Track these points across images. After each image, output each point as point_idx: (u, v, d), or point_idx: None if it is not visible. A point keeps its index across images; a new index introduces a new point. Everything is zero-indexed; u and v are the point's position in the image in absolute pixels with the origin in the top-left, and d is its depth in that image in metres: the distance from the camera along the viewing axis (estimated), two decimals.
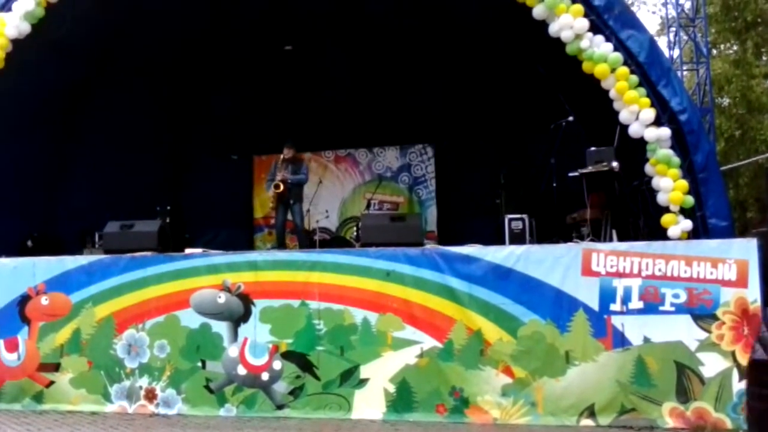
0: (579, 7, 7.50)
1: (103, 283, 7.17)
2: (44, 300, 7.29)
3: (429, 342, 6.55)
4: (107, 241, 7.97)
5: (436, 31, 11.46)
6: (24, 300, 7.34)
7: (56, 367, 7.24)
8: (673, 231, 7.18)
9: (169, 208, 11.19)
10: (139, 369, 7.07)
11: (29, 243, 9.96)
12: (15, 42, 8.32)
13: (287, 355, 6.81)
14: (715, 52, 18.51)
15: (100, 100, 11.20)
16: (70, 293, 7.24)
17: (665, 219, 7.26)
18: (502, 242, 8.37)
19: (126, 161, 11.45)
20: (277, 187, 9.73)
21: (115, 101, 11.20)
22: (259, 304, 6.89)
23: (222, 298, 6.95)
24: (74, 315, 7.21)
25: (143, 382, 7.06)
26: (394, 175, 12.79)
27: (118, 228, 7.95)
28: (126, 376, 7.08)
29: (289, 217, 10.00)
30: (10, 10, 8.29)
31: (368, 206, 12.02)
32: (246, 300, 6.92)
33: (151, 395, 7.04)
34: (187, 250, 7.68)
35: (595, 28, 7.52)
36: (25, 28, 8.31)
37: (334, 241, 11.45)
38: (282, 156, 9.87)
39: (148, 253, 7.41)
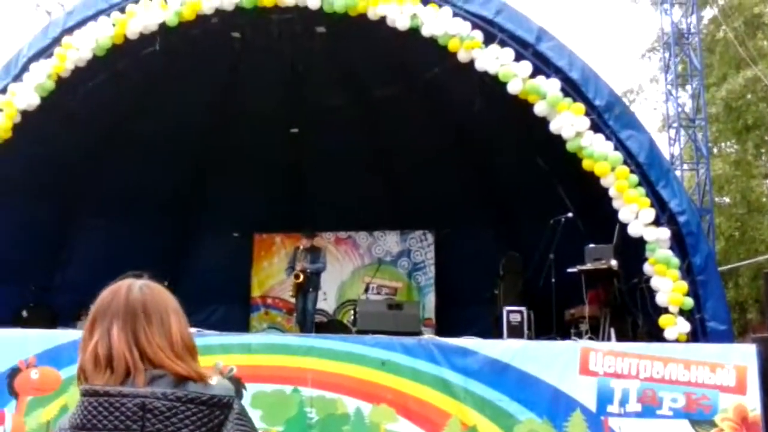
0: (580, 106, 7.67)
1: None
2: (34, 374, 7.17)
3: None
4: None
5: (439, 120, 11.67)
6: (14, 373, 7.20)
7: None
8: (670, 332, 7.14)
9: (166, 283, 11.09)
10: None
11: (24, 313, 9.90)
12: (26, 113, 8.49)
13: None
14: (715, 150, 18.82)
15: (106, 173, 11.32)
16: (61, 368, 7.11)
17: (663, 320, 7.23)
18: (500, 333, 8.34)
19: (127, 234, 11.49)
20: (297, 277, 10.16)
21: (120, 175, 11.32)
22: (251, 389, 6.78)
23: (213, 381, 6.83)
24: (63, 391, 7.06)
25: None
26: (394, 259, 12.79)
27: None
28: None
29: None
30: (21, 80, 8.50)
31: (367, 290, 11.98)
32: (237, 384, 6.81)
33: None
34: None
35: (595, 127, 7.66)
36: (35, 100, 8.48)
37: (331, 324, 11.37)
38: (301, 245, 10.12)
39: None
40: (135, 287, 1.91)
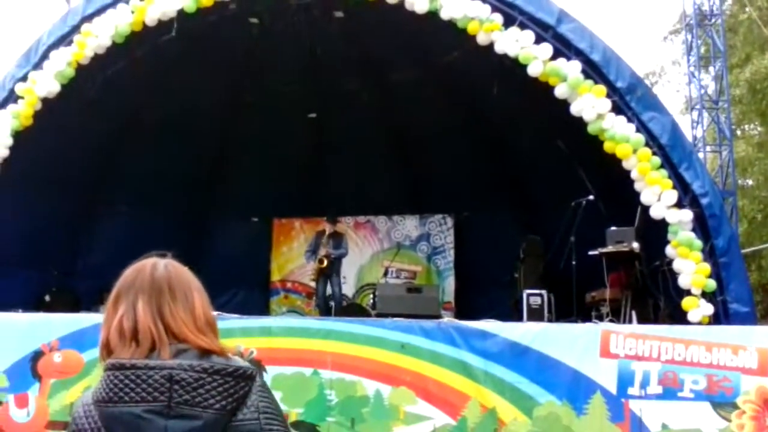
0: (602, 88, 7.60)
1: None
2: (57, 357, 7.26)
3: (442, 419, 6.41)
4: None
5: (459, 103, 11.62)
6: (37, 356, 7.30)
7: (64, 426, 7.14)
8: (693, 315, 7.09)
9: (187, 267, 11.22)
10: None
11: (47, 297, 10.01)
12: (46, 101, 8.55)
13: (297, 425, 6.68)
14: (738, 132, 18.58)
15: (125, 160, 11.40)
16: (84, 351, 7.19)
17: (686, 302, 7.18)
18: (520, 317, 8.32)
19: (147, 220, 11.56)
20: (321, 262, 10.16)
21: (140, 161, 11.39)
22: (271, 371, 6.81)
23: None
24: (86, 373, 7.14)
25: None
26: (413, 243, 12.78)
27: None
28: None
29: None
30: (41, 68, 8.55)
31: (386, 274, 11.98)
32: (258, 366, 6.84)
33: None
34: None
35: (617, 109, 7.59)
36: (55, 87, 8.54)
37: (350, 307, 11.40)
38: (325, 231, 10.10)
39: None
40: (160, 265, 1.95)
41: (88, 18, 8.73)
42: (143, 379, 1.73)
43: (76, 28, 8.73)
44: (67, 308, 8.03)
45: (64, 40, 8.75)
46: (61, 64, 8.51)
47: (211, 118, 11.93)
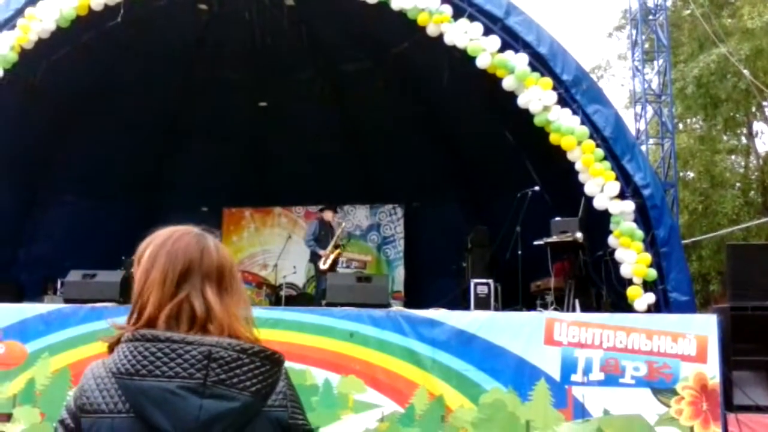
0: (548, 81, 7.73)
1: (61, 333, 7.03)
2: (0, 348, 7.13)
3: (390, 406, 6.48)
4: (68, 290, 7.85)
5: (408, 94, 11.67)
6: None
7: (8, 418, 7.02)
8: (639, 304, 7.27)
9: (134, 258, 11.07)
10: None
11: None
12: None
13: None
14: (681, 126, 19.06)
15: (70, 148, 11.18)
16: (27, 342, 7.06)
17: (630, 292, 7.37)
18: (468, 306, 8.42)
19: (93, 210, 11.38)
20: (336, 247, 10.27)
21: (87, 150, 11.19)
22: None
23: None
24: (29, 364, 7.02)
25: None
26: (363, 233, 12.83)
27: (80, 277, 7.83)
28: None
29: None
30: None
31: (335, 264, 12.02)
32: None
33: None
34: None
35: (562, 102, 7.73)
36: None
37: (300, 297, 11.41)
38: (325, 219, 10.37)
39: (110, 305, 7.30)
40: (219, 246, 1.85)
41: (31, 2, 8.52)
42: (179, 354, 1.63)
43: (19, 12, 8.51)
44: (11, 299, 7.86)
45: (7, 24, 8.52)
46: (4, 48, 8.30)
47: (159, 106, 11.77)
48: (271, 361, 1.70)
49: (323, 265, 9.98)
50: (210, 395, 1.61)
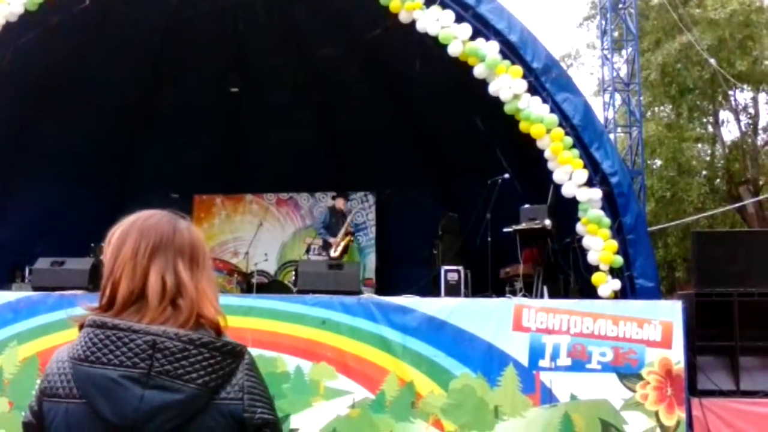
0: (518, 69, 7.78)
1: (29, 321, 6.95)
2: None
3: (361, 393, 6.53)
4: (36, 278, 7.78)
5: (380, 81, 11.69)
6: None
7: None
8: (603, 290, 7.39)
9: (103, 244, 10.98)
10: None
11: None
12: None
13: None
14: (649, 114, 19.26)
15: (39, 134, 11.03)
16: None
17: (596, 278, 7.48)
18: (438, 293, 8.49)
19: (63, 196, 11.26)
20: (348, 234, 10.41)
21: (56, 135, 11.05)
22: None
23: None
24: None
25: None
26: None
27: (49, 264, 7.75)
28: None
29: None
30: None
31: (308, 251, 12.01)
32: None
33: None
34: None
35: (532, 90, 7.79)
36: None
37: (272, 284, 11.40)
38: (336, 207, 10.54)
39: (79, 292, 7.24)
40: (191, 227, 1.84)
41: None
42: (124, 342, 1.61)
43: None
44: None
45: None
46: None
47: (129, 91, 11.64)
48: (223, 352, 1.66)
49: (334, 253, 10.10)
50: (153, 386, 1.59)
